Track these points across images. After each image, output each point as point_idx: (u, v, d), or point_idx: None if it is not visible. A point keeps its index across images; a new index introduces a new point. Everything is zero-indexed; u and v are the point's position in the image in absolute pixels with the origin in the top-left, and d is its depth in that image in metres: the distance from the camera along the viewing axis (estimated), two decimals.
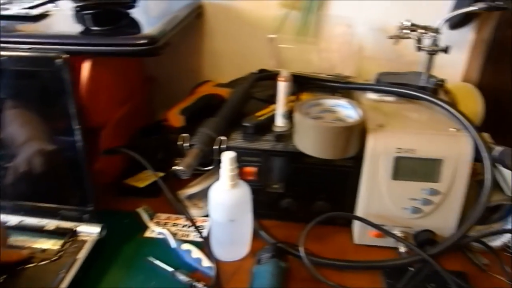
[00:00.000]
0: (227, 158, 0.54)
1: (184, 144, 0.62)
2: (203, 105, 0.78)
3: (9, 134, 0.64)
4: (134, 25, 0.69)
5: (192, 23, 0.78)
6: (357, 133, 0.57)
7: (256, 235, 0.63)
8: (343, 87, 0.73)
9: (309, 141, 0.58)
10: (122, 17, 0.69)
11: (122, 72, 0.75)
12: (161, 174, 0.75)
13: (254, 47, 0.88)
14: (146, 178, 0.74)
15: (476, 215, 0.55)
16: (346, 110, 0.62)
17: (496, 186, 0.58)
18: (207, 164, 0.62)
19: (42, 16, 0.72)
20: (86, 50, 0.62)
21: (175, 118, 0.74)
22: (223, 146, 0.61)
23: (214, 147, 0.61)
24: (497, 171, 0.57)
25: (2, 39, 0.64)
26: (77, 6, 0.69)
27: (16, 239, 0.61)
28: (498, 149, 0.57)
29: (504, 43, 0.73)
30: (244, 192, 0.56)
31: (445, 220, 0.60)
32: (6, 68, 0.59)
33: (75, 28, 0.67)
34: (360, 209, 0.61)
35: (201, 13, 0.85)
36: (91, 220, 0.62)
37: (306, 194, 0.65)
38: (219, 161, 0.56)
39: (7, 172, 0.64)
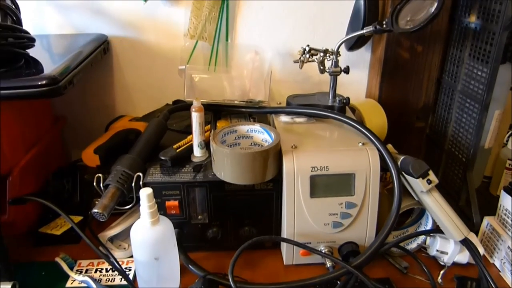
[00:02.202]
0: (145, 194, 0.52)
1: (100, 185, 0.59)
2: (119, 141, 0.75)
3: None
4: (34, 65, 0.65)
5: (98, 58, 0.76)
6: (273, 157, 0.59)
7: (184, 270, 0.61)
8: (256, 112, 0.76)
9: (227, 168, 0.58)
10: (19, 57, 0.65)
11: (26, 115, 0.70)
12: (79, 218, 0.71)
13: (167, 78, 0.88)
14: (63, 224, 0.70)
15: (391, 222, 0.58)
16: (261, 134, 0.64)
17: (405, 192, 0.63)
18: (127, 203, 0.60)
19: None
20: None
21: (90, 157, 0.71)
22: (141, 182, 0.60)
23: (132, 185, 0.59)
24: (404, 178, 0.62)
25: None
26: None
27: None
28: (400, 158, 0.61)
29: (395, 60, 0.81)
30: (166, 228, 0.55)
31: (364, 231, 0.63)
32: None
33: None
34: (285, 230, 0.62)
35: (108, 48, 0.83)
36: (0, 278, 0.56)
37: (231, 221, 0.65)
38: (138, 199, 0.55)
39: None
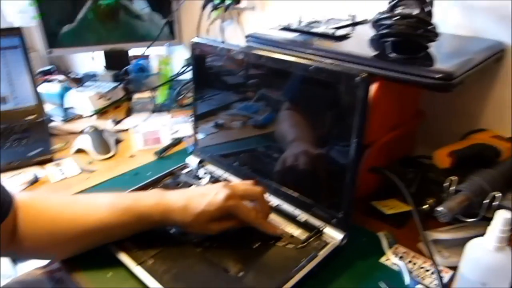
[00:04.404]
0: (502, 217, 0.49)
1: (451, 187, 0.59)
2: (475, 153, 0.73)
3: (281, 131, 0.75)
4: (428, 59, 0.69)
5: (490, 66, 0.74)
6: None
7: None
8: None
9: None
10: (420, 49, 0.70)
11: (400, 101, 0.77)
12: (408, 207, 0.74)
13: None
14: (393, 206, 0.74)
15: None
16: None
17: None
18: (470, 216, 0.58)
19: (344, 37, 0.81)
20: (380, 73, 0.66)
21: (442, 158, 0.72)
22: (495, 203, 0.56)
23: (484, 201, 0.56)
24: None
25: (310, 51, 0.75)
26: (379, 33, 0.74)
27: (273, 218, 0.71)
28: None
29: None
30: (508, 260, 0.50)
31: None
32: (299, 74, 0.67)
33: (370, 51, 0.73)
34: None
35: (501, 57, 0.79)
36: (337, 226, 0.66)
37: None
38: (484, 217, 0.52)
39: (277, 160, 0.75)
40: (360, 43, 0.78)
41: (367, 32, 0.78)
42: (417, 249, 0.68)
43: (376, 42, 0.74)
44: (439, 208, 0.55)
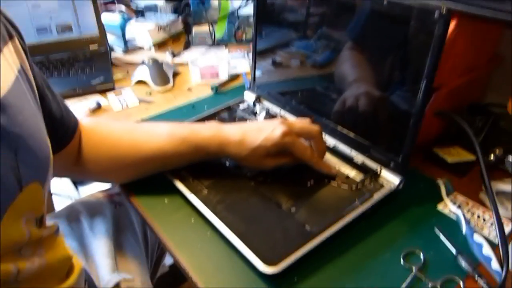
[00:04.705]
0: None
1: None
2: None
3: (342, 71, 0.72)
4: None
5: None
6: None
7: None
8: None
9: None
10: None
11: (477, 43, 0.70)
12: (472, 156, 0.71)
13: None
14: (456, 154, 0.71)
15: None
16: None
17: None
18: None
19: None
20: (460, 9, 0.60)
21: None
22: None
23: None
24: None
25: None
26: None
27: (329, 158, 0.70)
28: None
29: None
30: None
31: None
32: (369, 10, 0.63)
33: None
34: None
35: None
36: (395, 169, 0.64)
37: None
38: None
39: (335, 101, 0.73)
40: None
41: None
42: (478, 199, 0.65)
43: None
44: (510, 158, 0.52)
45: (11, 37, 0.47)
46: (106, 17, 1.27)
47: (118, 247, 0.73)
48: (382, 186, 0.64)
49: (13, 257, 0.42)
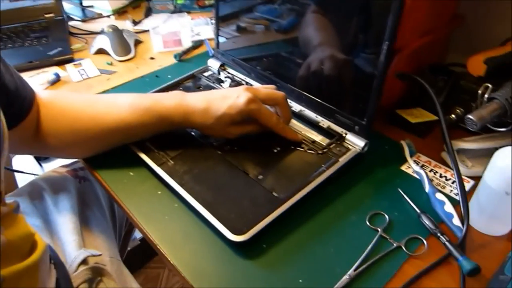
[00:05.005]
0: None
1: (485, 95, 0.56)
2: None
3: (306, 35, 0.71)
4: None
5: None
6: None
7: None
8: None
9: None
10: None
11: (437, 3, 0.70)
12: (433, 117, 0.72)
13: None
14: (419, 115, 0.72)
15: None
16: None
17: None
18: (501, 125, 0.56)
19: None
20: None
21: (477, 65, 0.67)
22: None
23: None
24: None
25: None
26: None
27: (294, 124, 0.70)
28: None
29: None
30: None
31: None
32: None
33: None
34: None
35: None
36: (359, 133, 0.65)
37: None
38: None
39: (300, 66, 0.72)
40: None
41: None
42: (440, 158, 0.67)
43: None
44: (469, 116, 0.53)
45: None
46: None
47: (84, 223, 0.71)
48: (347, 149, 0.65)
49: None
